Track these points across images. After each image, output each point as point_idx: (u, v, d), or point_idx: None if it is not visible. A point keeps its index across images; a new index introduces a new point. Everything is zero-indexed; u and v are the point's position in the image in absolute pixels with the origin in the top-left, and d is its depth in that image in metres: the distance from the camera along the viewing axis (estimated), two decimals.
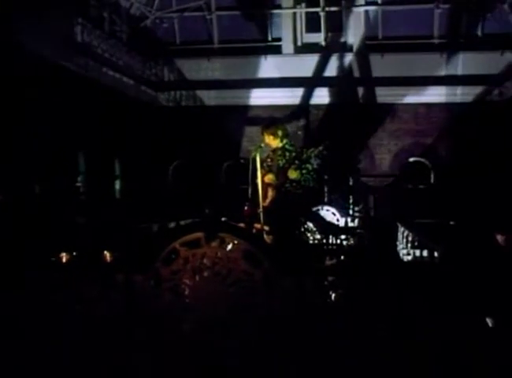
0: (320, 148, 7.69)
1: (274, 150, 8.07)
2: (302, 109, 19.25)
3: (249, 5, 19.34)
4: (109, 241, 8.49)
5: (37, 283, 4.93)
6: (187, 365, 4.43)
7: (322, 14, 19.28)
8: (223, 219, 9.79)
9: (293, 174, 7.67)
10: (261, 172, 7.72)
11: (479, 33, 19.07)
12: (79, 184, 15.39)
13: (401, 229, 11.44)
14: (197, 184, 18.87)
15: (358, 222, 16.89)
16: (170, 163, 20.14)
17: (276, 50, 19.79)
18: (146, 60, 19.27)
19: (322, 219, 14.17)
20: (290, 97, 19.14)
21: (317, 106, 19.41)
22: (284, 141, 7.98)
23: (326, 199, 18.33)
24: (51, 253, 6.96)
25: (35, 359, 4.56)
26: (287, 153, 7.89)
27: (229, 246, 4.62)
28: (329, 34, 19.63)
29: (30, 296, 4.89)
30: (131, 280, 4.65)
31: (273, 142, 7.98)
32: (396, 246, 11.54)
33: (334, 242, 11.68)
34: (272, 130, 7.99)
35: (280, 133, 7.97)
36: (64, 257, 6.82)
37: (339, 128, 18.18)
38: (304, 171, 7.68)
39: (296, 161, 7.71)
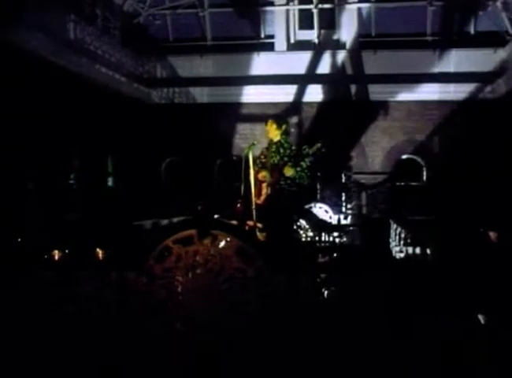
0: (319, 145, 7.68)
1: (268, 148, 8.08)
2: (295, 107, 19.25)
3: (242, 3, 19.33)
4: (101, 238, 8.47)
5: (29, 280, 4.92)
6: (180, 363, 4.43)
7: (315, 11, 19.29)
8: (215, 216, 9.79)
9: (289, 171, 7.68)
10: (255, 169, 7.72)
11: (472, 30, 19.12)
12: (71, 181, 15.36)
13: (393, 226, 11.46)
14: (190, 181, 18.86)
15: (351, 219, 16.93)
16: (163, 160, 20.13)
17: (269, 47, 19.79)
18: (139, 57, 19.23)
19: (315, 216, 14.19)
20: (283, 94, 19.12)
21: (310, 104, 19.42)
22: (283, 136, 8.02)
23: (319, 196, 18.35)
24: (44, 250, 6.94)
25: (29, 358, 4.55)
26: (282, 150, 7.90)
27: (222, 244, 4.62)
28: (322, 31, 19.65)
29: (22, 294, 4.88)
30: (124, 278, 4.65)
31: (273, 132, 8.01)
32: (389, 243, 11.56)
33: (327, 239, 11.70)
34: (278, 121, 8.06)
35: (283, 127, 8.03)
36: (56, 254, 6.81)
37: (332, 126, 18.17)
38: (299, 168, 7.69)
39: (292, 159, 7.73)
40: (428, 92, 18.92)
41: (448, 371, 4.29)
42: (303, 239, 11.40)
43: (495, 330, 4.46)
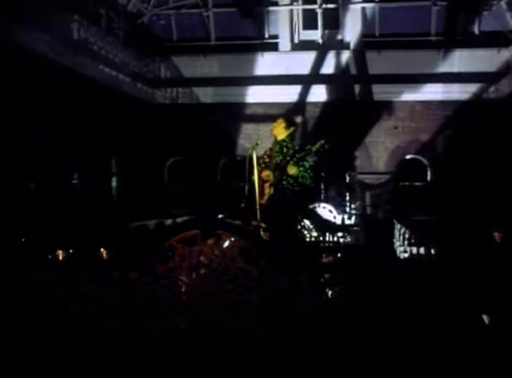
0: (322, 142, 7.65)
1: (272, 148, 8.08)
2: (299, 107, 19.22)
3: (246, 2, 19.31)
4: (105, 238, 8.47)
5: (33, 280, 4.92)
6: (180, 363, 4.42)
7: (319, 11, 19.29)
8: (219, 216, 9.79)
9: (292, 169, 7.65)
10: (258, 169, 7.71)
11: (476, 31, 19.08)
12: (75, 181, 15.37)
13: (397, 226, 11.45)
14: (193, 181, 18.86)
15: (355, 219, 16.92)
16: (167, 160, 20.14)
17: (273, 47, 19.78)
18: (143, 57, 19.23)
19: (319, 216, 14.19)
20: (286, 94, 19.10)
21: (314, 104, 19.40)
22: (288, 137, 8.00)
23: (323, 196, 18.34)
24: (48, 250, 6.94)
25: (30, 357, 4.55)
26: (285, 150, 7.88)
27: (225, 244, 4.61)
28: (326, 31, 19.63)
29: (26, 294, 4.88)
30: (127, 278, 4.64)
31: (280, 130, 7.98)
32: (393, 243, 11.55)
33: (331, 239, 11.70)
34: (288, 121, 8.04)
35: (291, 129, 8.00)
36: (60, 254, 6.80)
37: (336, 126, 18.15)
38: (301, 168, 7.67)
39: (294, 158, 7.70)
40: (432, 92, 18.90)
41: (448, 371, 4.28)
42: (307, 239, 11.39)
43: (497, 330, 4.45)
